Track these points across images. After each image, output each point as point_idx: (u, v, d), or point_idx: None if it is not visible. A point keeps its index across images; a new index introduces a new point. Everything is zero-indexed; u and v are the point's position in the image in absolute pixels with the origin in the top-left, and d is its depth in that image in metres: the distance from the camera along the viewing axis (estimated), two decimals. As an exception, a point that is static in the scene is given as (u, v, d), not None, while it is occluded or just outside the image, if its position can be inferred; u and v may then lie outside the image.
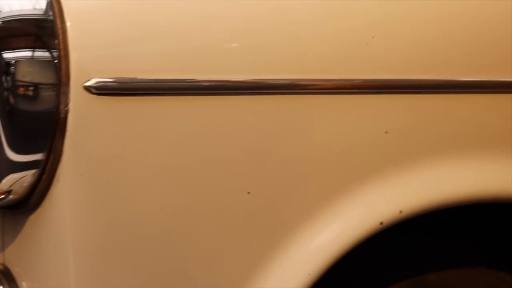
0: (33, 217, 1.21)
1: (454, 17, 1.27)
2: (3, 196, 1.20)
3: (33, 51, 1.16)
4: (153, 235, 1.16)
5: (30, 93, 1.15)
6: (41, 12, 1.14)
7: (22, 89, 1.15)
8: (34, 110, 1.16)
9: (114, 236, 1.15)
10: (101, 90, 1.11)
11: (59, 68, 1.11)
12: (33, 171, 1.16)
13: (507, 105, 1.29)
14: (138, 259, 1.17)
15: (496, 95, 1.29)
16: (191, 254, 1.18)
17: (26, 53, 1.16)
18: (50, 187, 1.16)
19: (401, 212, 1.24)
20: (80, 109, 1.12)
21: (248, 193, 1.18)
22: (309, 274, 1.20)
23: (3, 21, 1.16)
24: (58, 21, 1.12)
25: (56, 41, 1.11)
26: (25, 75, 1.15)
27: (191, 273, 1.19)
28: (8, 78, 1.14)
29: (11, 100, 1.15)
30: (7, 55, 1.15)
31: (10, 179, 1.19)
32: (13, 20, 1.16)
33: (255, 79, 1.17)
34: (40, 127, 1.14)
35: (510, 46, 1.28)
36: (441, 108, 1.26)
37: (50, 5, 1.13)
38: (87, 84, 1.11)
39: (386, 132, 1.23)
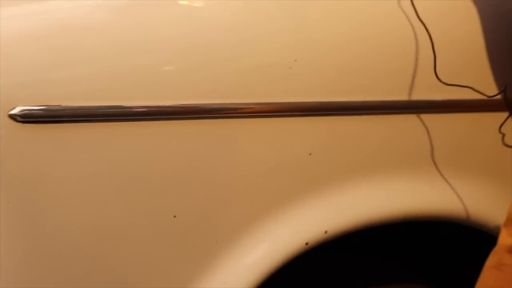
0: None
1: (372, 40, 1.30)
2: None
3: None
4: (80, 261, 1.17)
5: (-45, 122, 1.15)
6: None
7: None
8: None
9: (42, 263, 1.16)
10: (26, 118, 1.12)
11: (-16, 97, 1.12)
12: (-40, 199, 1.16)
13: (423, 125, 1.32)
14: (67, 284, 1.18)
15: (413, 115, 1.31)
16: (119, 278, 1.20)
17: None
18: (-23, 215, 1.16)
19: (326, 232, 1.26)
20: (5, 137, 1.12)
21: (174, 216, 1.20)
22: (235, 296, 1.22)
23: None
24: (-17, 49, 1.13)
25: (-19, 69, 1.12)
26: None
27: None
28: None
29: None
30: None
31: None
32: None
33: (180, 104, 1.19)
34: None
35: (423, 67, 1.32)
36: (362, 129, 1.29)
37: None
38: (12, 112, 1.12)
39: (310, 154, 1.26)
